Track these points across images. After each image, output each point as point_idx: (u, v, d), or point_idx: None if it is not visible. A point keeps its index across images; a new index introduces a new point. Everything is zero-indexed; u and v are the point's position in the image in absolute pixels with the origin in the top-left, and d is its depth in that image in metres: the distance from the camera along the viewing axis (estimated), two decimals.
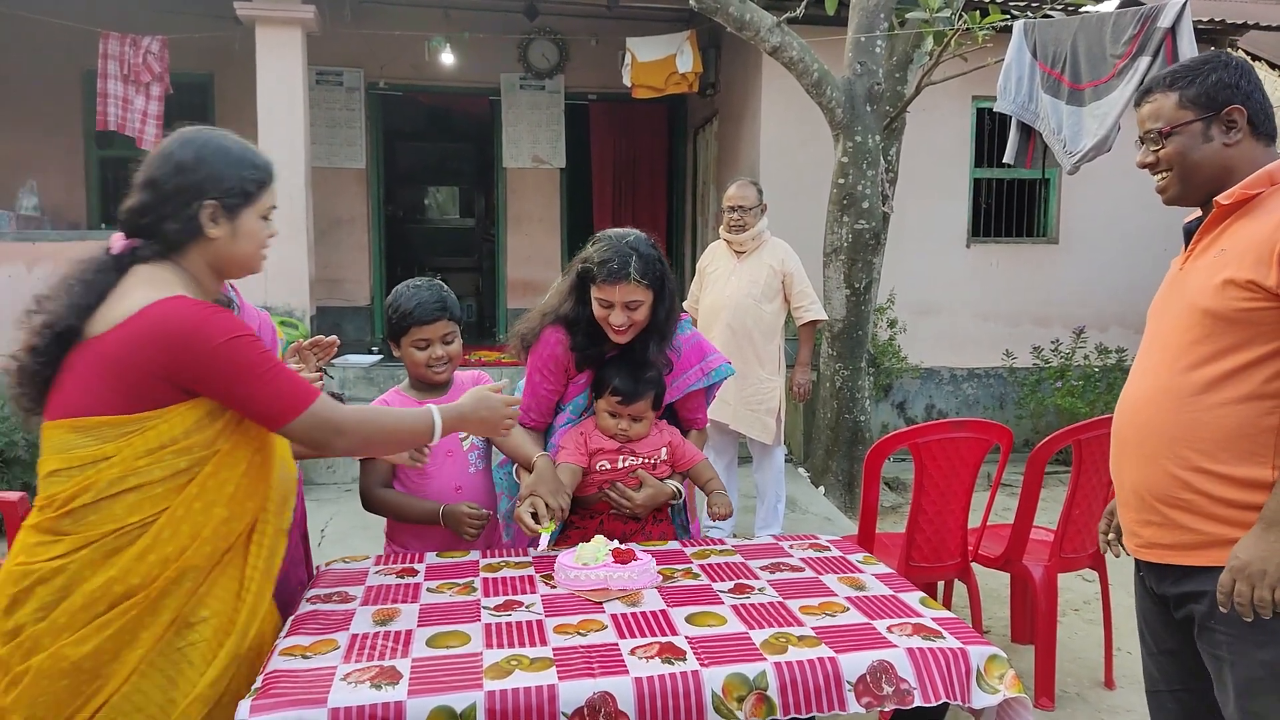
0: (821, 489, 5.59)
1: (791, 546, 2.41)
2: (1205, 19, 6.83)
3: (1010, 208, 7.62)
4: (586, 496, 2.51)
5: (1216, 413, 1.70)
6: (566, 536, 2.48)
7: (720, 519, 2.52)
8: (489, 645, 1.73)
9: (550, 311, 2.54)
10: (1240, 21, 7.15)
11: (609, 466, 2.49)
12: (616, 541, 2.15)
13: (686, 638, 1.76)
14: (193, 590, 1.66)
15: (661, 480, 2.52)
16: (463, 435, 2.58)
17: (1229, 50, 1.87)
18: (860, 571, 2.20)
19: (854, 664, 1.68)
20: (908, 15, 5.35)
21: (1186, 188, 1.83)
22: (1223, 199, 1.75)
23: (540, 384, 2.54)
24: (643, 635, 1.78)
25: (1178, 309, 1.80)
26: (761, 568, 2.21)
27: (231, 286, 2.34)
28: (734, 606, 1.94)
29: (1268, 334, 1.66)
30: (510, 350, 2.68)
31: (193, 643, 1.65)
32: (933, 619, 1.88)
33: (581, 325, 2.48)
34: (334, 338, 2.60)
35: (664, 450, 2.54)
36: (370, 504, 2.54)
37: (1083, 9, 6.12)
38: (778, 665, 1.65)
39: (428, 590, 2.05)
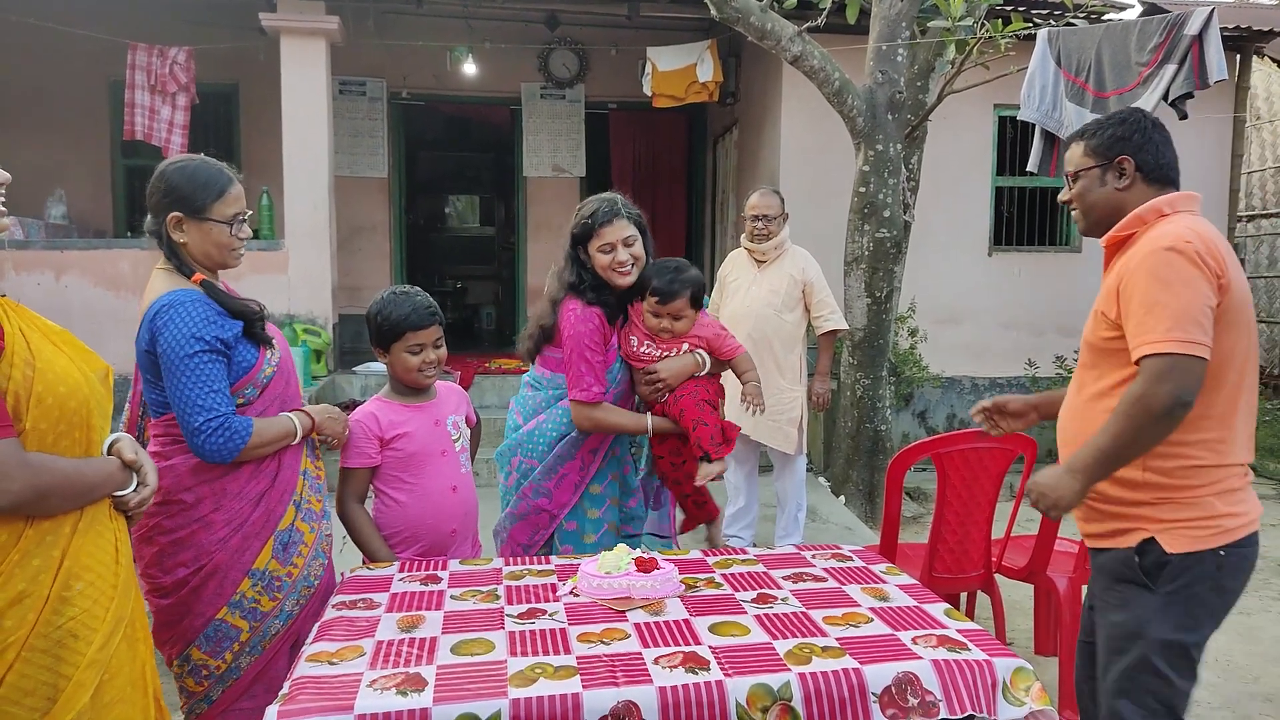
0: (842, 498, 5.56)
1: (814, 556, 2.40)
2: (1231, 26, 6.76)
3: (1032, 216, 7.57)
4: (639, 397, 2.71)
5: (1099, 423, 1.94)
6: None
7: (754, 406, 2.67)
8: (513, 653, 1.74)
9: (556, 296, 2.67)
10: (1266, 29, 7.08)
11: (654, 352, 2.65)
12: (637, 555, 2.16)
13: (710, 647, 1.76)
14: (52, 567, 1.57)
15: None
16: (455, 435, 2.59)
17: (1138, 111, 2.18)
18: (883, 582, 2.19)
19: (879, 675, 1.68)
20: (930, 24, 5.33)
21: (1089, 222, 2.11)
22: (1103, 240, 2.05)
23: (593, 357, 2.61)
24: (666, 644, 1.78)
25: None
26: (784, 577, 2.21)
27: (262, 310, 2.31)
28: (757, 616, 1.93)
29: (1123, 361, 1.90)
30: (520, 351, 2.78)
31: (72, 616, 1.58)
32: (958, 630, 1.87)
33: (586, 283, 2.65)
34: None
35: (685, 345, 2.67)
36: (341, 515, 2.48)
37: (1105, 17, 6.09)
38: (802, 676, 1.65)
39: (451, 598, 2.06)
